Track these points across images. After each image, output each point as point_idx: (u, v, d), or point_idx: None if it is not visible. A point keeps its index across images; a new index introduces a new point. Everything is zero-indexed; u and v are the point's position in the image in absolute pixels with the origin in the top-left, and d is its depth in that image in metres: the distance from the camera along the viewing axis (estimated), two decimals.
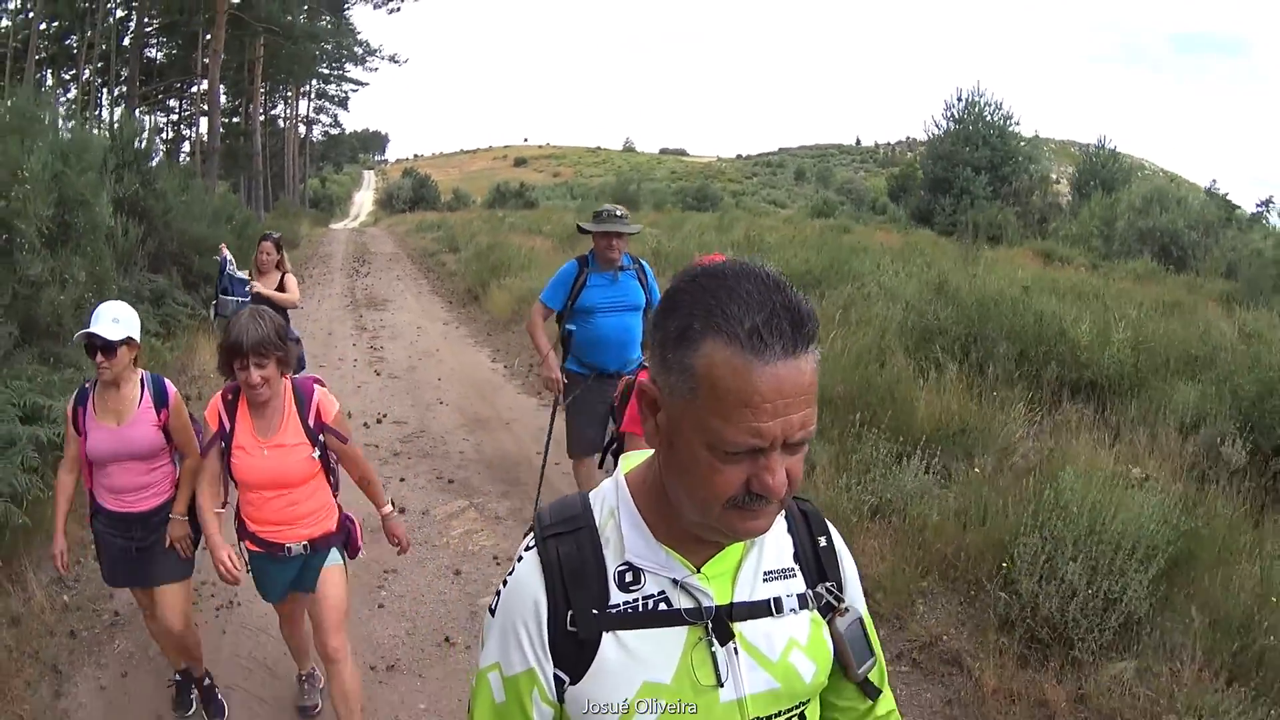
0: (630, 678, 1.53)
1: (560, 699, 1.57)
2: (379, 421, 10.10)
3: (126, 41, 40.16)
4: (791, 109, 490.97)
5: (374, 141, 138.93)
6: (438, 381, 12.13)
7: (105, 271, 10.60)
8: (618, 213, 6.65)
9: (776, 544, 1.66)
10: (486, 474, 8.60)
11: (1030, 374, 9.24)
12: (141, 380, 4.77)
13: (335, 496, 4.68)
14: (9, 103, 10.67)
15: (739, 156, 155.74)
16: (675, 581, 1.55)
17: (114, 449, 4.67)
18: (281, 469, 4.37)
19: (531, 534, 1.65)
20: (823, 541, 1.72)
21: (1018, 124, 38.34)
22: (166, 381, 4.86)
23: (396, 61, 55.50)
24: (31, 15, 33.78)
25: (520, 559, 1.63)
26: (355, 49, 52.04)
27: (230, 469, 4.42)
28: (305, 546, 4.51)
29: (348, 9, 48.71)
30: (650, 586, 1.56)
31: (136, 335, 4.62)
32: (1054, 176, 49.27)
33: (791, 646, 1.60)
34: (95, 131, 15.62)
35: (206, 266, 14.83)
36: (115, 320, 4.49)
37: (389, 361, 13.39)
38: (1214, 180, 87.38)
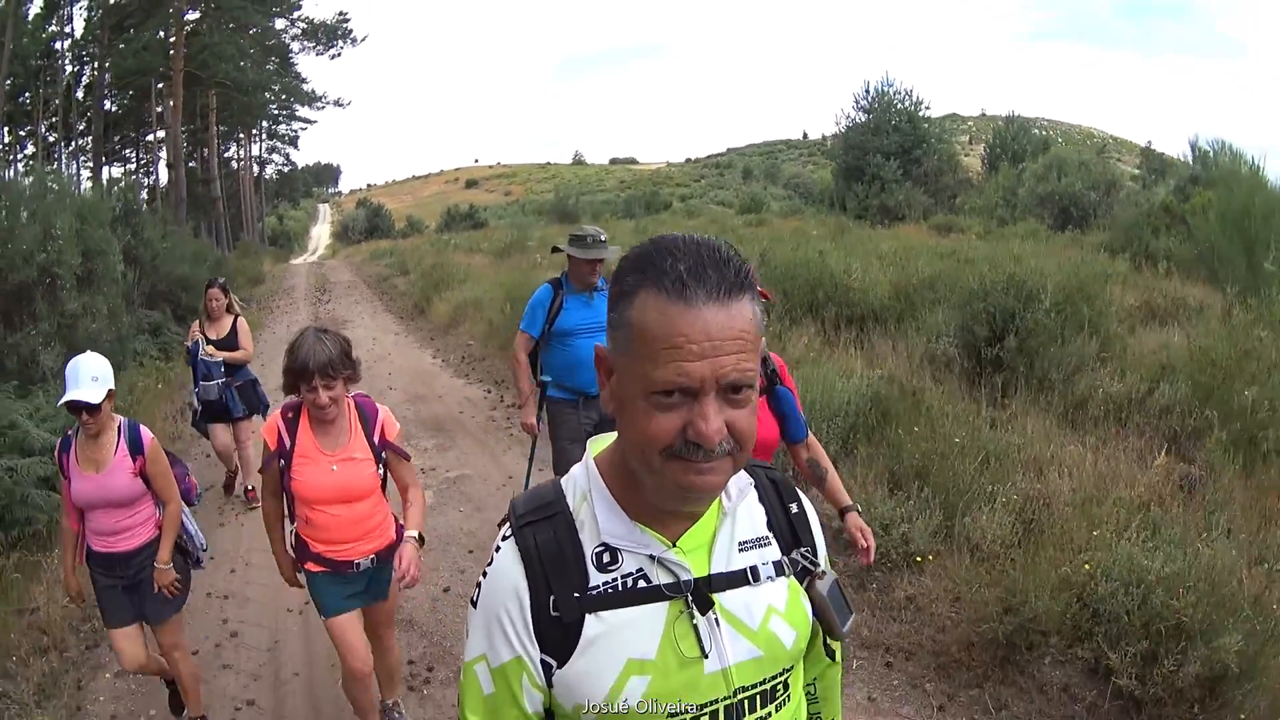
0: (615, 656, 1.56)
1: (549, 683, 1.60)
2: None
3: (80, 95, 41.88)
4: (738, 109, 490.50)
5: (326, 174, 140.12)
6: (388, 375, 15.22)
7: (118, 308, 13.91)
8: (601, 237, 6.69)
9: (749, 514, 1.71)
10: (421, 428, 11.69)
11: (816, 312, 12.40)
12: (119, 428, 4.96)
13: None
14: (35, 176, 13.95)
15: (688, 160, 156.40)
16: (652, 557, 1.58)
17: (95, 496, 4.85)
18: (349, 482, 4.48)
19: (507, 524, 1.69)
20: (794, 508, 1.78)
21: (928, 108, 41.04)
22: (142, 429, 5.04)
23: (341, 105, 57.95)
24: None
25: (498, 549, 1.66)
26: (302, 94, 54.37)
27: (292, 486, 4.49)
28: (373, 560, 4.65)
29: (292, 57, 51.06)
30: (628, 565, 1.58)
31: (113, 384, 4.86)
32: (966, 154, 51.66)
33: (771, 614, 1.64)
34: (82, 190, 18.62)
35: (192, 300, 18.13)
36: (95, 379, 4.71)
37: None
38: (1149, 140, 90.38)
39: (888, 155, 38.03)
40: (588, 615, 1.57)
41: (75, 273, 12.44)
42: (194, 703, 5.36)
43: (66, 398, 4.64)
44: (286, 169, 69.44)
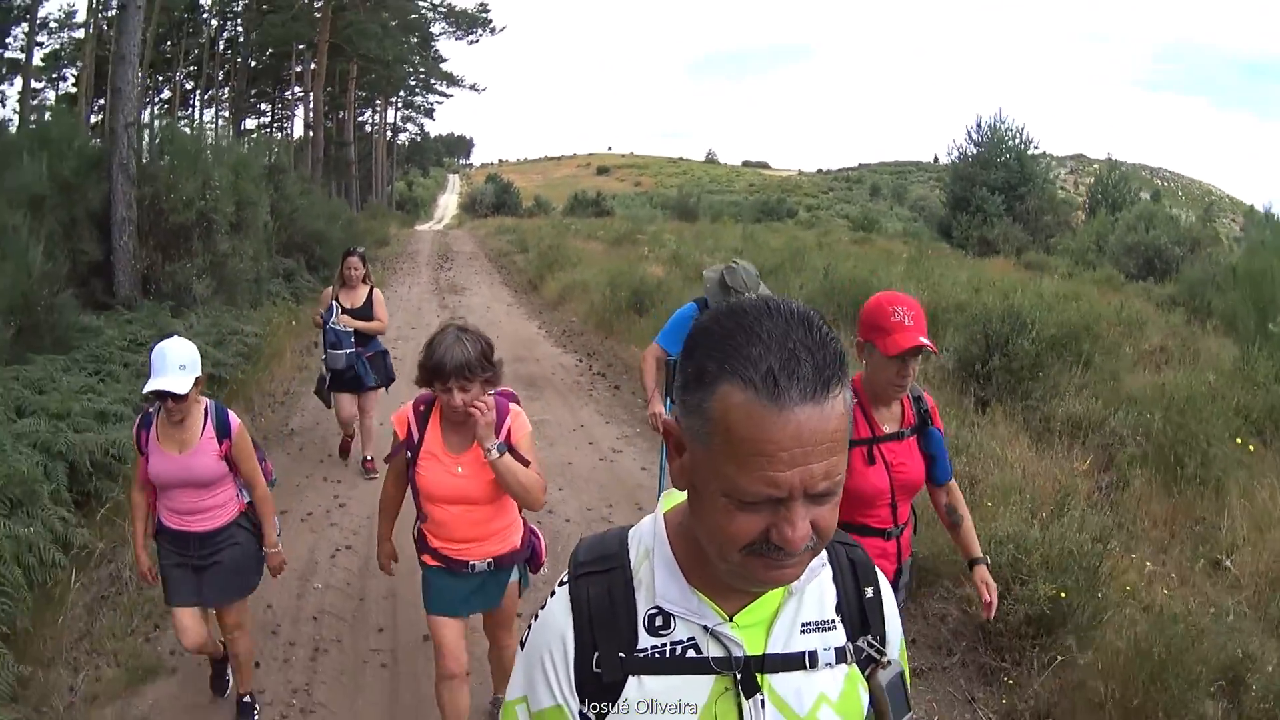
0: None
1: None
2: None
3: (220, 47, 43.81)
4: (874, 125, 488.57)
5: (459, 145, 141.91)
6: (496, 338, 16.50)
7: (261, 252, 15.89)
8: (752, 273, 6.49)
9: (819, 594, 1.64)
10: (516, 382, 13.14)
11: (853, 321, 13.80)
12: (205, 410, 4.88)
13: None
14: (204, 133, 15.90)
15: (819, 171, 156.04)
16: (706, 628, 1.54)
17: (175, 476, 4.77)
18: (471, 486, 4.38)
19: (567, 572, 1.67)
20: (869, 592, 1.69)
21: (1037, 148, 41.53)
22: (230, 413, 4.96)
23: (477, 90, 60.42)
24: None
25: (553, 594, 1.65)
26: (440, 73, 56.48)
27: (415, 480, 4.43)
28: (490, 564, 4.53)
29: (434, 41, 53.16)
30: (680, 632, 1.55)
31: (200, 371, 4.71)
32: (1075, 197, 51.99)
33: (821, 702, 1.58)
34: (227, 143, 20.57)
35: (325, 254, 20.25)
36: (181, 368, 4.59)
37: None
38: (1270, 202, 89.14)
39: (993, 189, 38.74)
40: (630, 677, 1.54)
41: (229, 219, 14.35)
42: (244, 680, 5.29)
43: (151, 386, 4.56)
44: (419, 137, 71.98)
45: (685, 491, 1.51)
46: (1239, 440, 8.29)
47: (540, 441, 10.00)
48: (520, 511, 4.69)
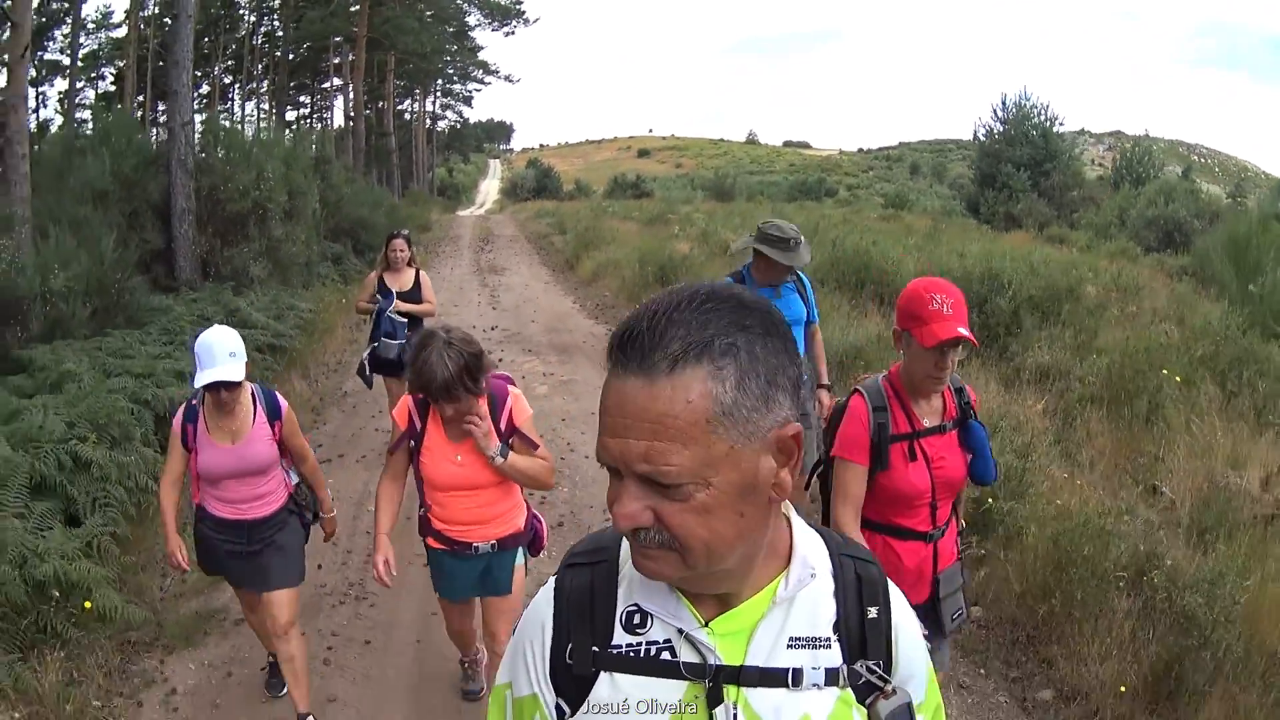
0: None
1: None
2: (492, 329, 15.95)
3: (257, 42, 44.66)
4: (914, 102, 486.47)
5: (499, 131, 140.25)
6: (533, 312, 18.05)
7: (311, 237, 17.19)
8: (789, 236, 6.21)
9: (813, 608, 1.54)
10: (550, 349, 14.48)
11: (859, 289, 15.04)
12: (253, 395, 4.90)
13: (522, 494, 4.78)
14: (256, 129, 17.20)
15: (860, 150, 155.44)
16: (681, 631, 1.49)
17: (230, 467, 4.78)
18: (472, 474, 4.44)
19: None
20: (872, 613, 1.58)
21: (1062, 124, 42.08)
22: (276, 393, 5.01)
23: (511, 81, 61.98)
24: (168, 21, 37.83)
25: (545, 584, 1.65)
26: (477, 62, 57.81)
27: (419, 468, 4.51)
28: (493, 546, 4.60)
29: (470, 31, 54.39)
30: (656, 632, 1.51)
31: (245, 356, 4.71)
32: (1097, 170, 52.44)
33: None
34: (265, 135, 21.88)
35: (370, 238, 21.59)
36: (232, 355, 4.58)
37: (502, 303, 19.26)
38: None
39: (1019, 166, 39.29)
40: (602, 673, 1.51)
41: (282, 208, 15.68)
42: (303, 697, 5.15)
43: (208, 379, 4.52)
44: (459, 124, 72.62)
45: None
46: (1179, 378, 9.22)
47: (568, 397, 11.32)
48: (524, 494, 4.81)
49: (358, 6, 43.08)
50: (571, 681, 1.54)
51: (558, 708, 1.56)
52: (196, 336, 4.70)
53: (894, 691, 1.55)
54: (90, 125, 28.24)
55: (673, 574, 1.41)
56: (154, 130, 29.38)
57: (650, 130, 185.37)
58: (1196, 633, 5.15)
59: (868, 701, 1.53)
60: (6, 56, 12.46)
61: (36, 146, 15.10)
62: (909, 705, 1.56)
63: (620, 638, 1.52)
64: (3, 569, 5.28)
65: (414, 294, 9.22)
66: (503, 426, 4.45)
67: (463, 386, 4.15)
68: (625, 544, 1.57)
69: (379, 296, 9.15)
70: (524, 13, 52.28)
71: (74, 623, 5.63)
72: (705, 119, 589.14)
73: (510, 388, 4.58)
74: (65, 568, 5.60)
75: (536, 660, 1.58)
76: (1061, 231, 31.15)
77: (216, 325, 4.88)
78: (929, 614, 3.76)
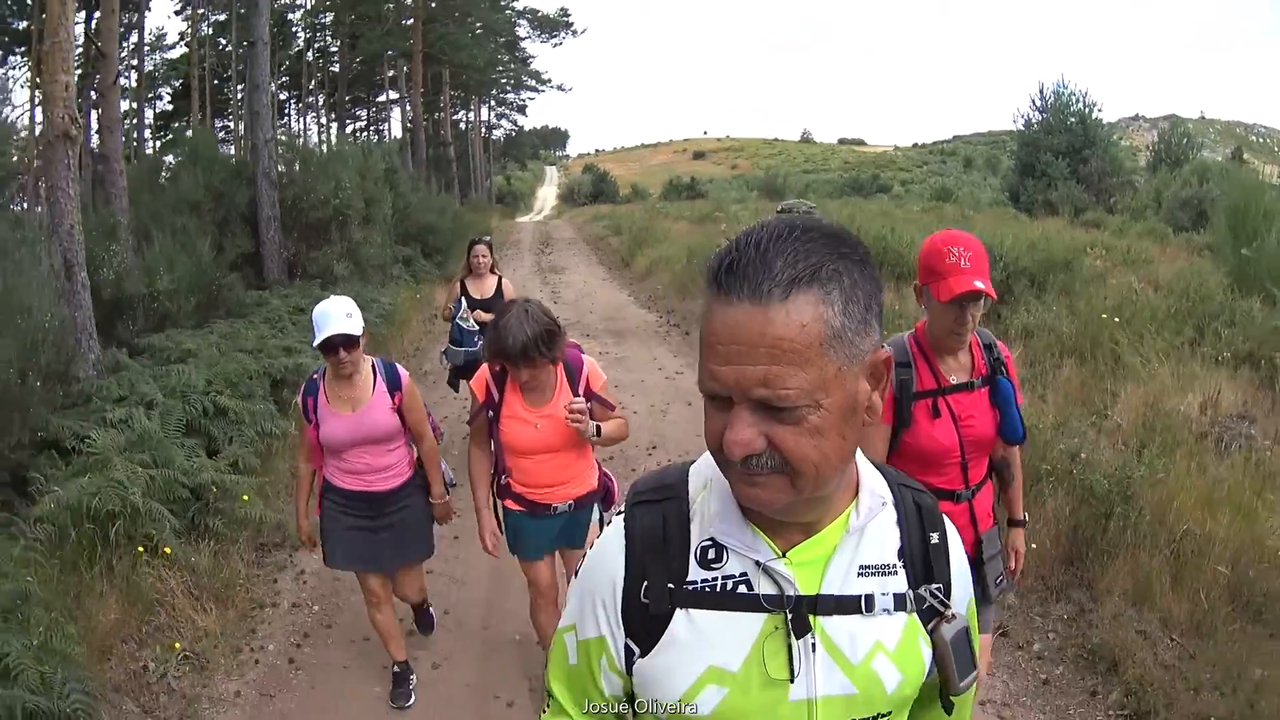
0: (697, 658, 1.52)
1: (629, 669, 1.60)
2: None
3: (311, 57, 46.72)
4: (970, 95, 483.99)
5: (555, 138, 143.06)
6: (591, 305, 19.82)
7: (386, 240, 19.04)
8: (804, 208, 7.08)
9: (880, 537, 1.59)
10: (607, 333, 16.24)
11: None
12: (374, 366, 5.02)
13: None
14: (330, 143, 18.99)
15: (915, 145, 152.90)
16: (758, 564, 1.51)
17: (352, 435, 4.91)
18: (555, 437, 4.62)
19: (625, 499, 1.67)
20: (934, 538, 1.65)
21: (1100, 111, 41.79)
22: (398, 366, 5.12)
23: (563, 90, 63.26)
24: (225, 41, 38.98)
25: (608, 523, 1.67)
26: (529, 72, 59.38)
27: (500, 436, 4.68)
28: (570, 505, 4.80)
29: (521, 43, 55.85)
30: (733, 566, 1.53)
31: (363, 322, 4.85)
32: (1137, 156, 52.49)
33: (877, 650, 1.54)
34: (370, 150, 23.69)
35: (437, 242, 23.39)
36: (349, 315, 4.71)
37: (563, 297, 20.92)
38: None
39: (1057, 154, 39.54)
40: (678, 610, 1.53)
41: (360, 214, 17.45)
42: (398, 647, 5.57)
43: (324, 335, 4.67)
44: (514, 132, 74.16)
45: None
46: (1152, 329, 10.47)
47: (620, 370, 12.96)
48: (594, 453, 4.99)
49: (411, 20, 44.68)
50: (646, 621, 1.56)
51: (627, 648, 1.59)
52: (312, 312, 4.89)
53: (954, 616, 1.61)
54: (171, 143, 30.37)
55: (781, 499, 1.41)
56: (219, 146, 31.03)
57: (705, 132, 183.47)
58: (1098, 504, 6.48)
59: (930, 625, 1.60)
60: (99, 84, 14.10)
61: (132, 162, 16.96)
62: (967, 629, 1.63)
63: (696, 573, 1.54)
64: (170, 473, 6.76)
65: (496, 300, 9.07)
66: (580, 392, 4.67)
67: (539, 351, 4.34)
68: (693, 480, 1.62)
69: (456, 303, 9.26)
70: (571, 24, 53.51)
71: (221, 520, 7.00)
72: (760, 119, 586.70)
73: (584, 356, 4.82)
74: (220, 476, 7.11)
75: (606, 601, 1.60)
76: (1098, 216, 31.67)
77: (333, 295, 5.04)
78: (971, 577, 3.81)
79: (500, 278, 9.46)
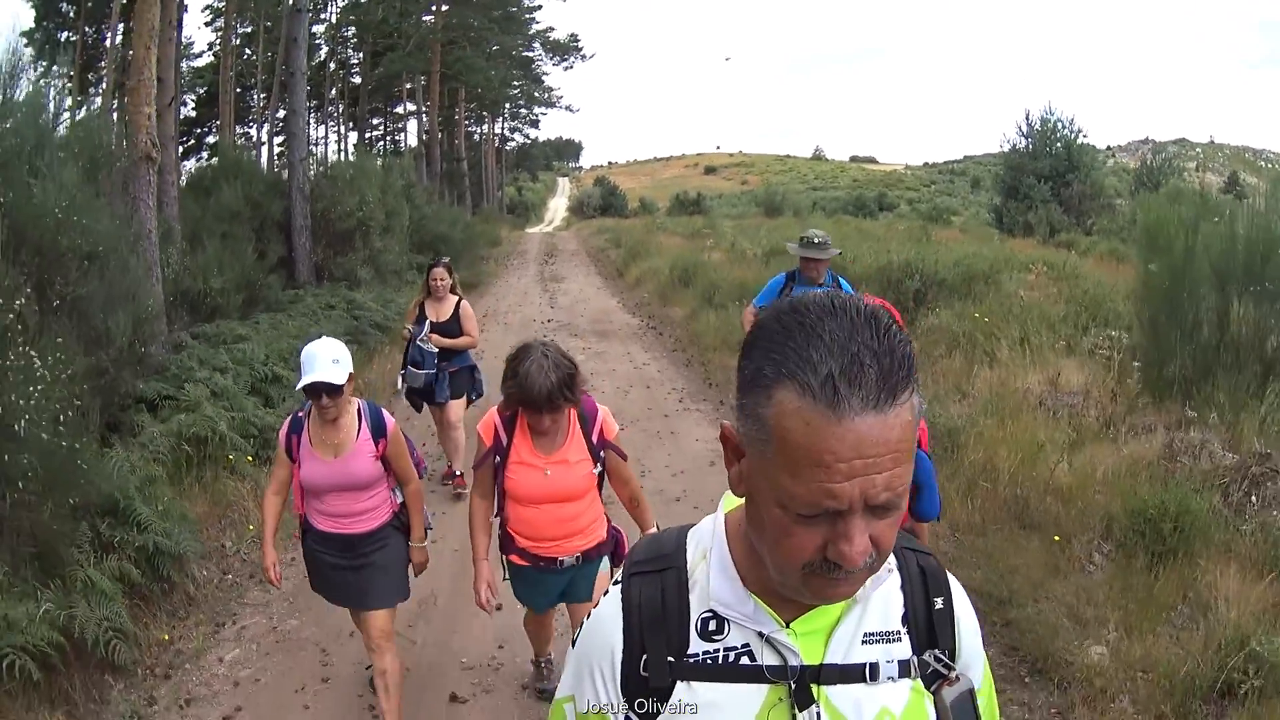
0: None
1: None
2: (548, 321, 19.98)
3: (332, 67, 47.53)
4: (980, 116, 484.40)
5: (568, 149, 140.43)
6: (583, 310, 22.17)
7: (403, 248, 21.69)
8: (816, 240, 7.91)
9: (884, 603, 1.59)
10: (593, 334, 18.53)
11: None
12: (359, 411, 4.98)
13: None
14: (354, 160, 21.76)
15: (925, 164, 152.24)
16: (761, 635, 1.51)
17: (332, 481, 4.89)
18: (564, 485, 4.57)
19: (622, 569, 1.66)
20: (939, 604, 1.64)
21: (1085, 137, 43.32)
22: (384, 411, 5.07)
23: (572, 110, 64.95)
24: (250, 54, 39.50)
25: (606, 593, 1.65)
26: (542, 88, 61.75)
27: (505, 484, 4.62)
28: (578, 558, 4.74)
29: (534, 65, 57.97)
30: (734, 638, 1.53)
31: (351, 368, 4.81)
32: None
33: (884, 716, 1.54)
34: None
35: (449, 251, 25.35)
36: (335, 361, 4.70)
37: (559, 303, 23.31)
38: None
39: (1041, 178, 40.83)
40: (679, 683, 1.52)
41: (381, 225, 20.05)
42: (392, 710, 5.18)
43: (307, 380, 4.65)
44: (527, 143, 74.74)
45: (744, 498, 1.47)
46: (1032, 329, 12.66)
47: (598, 362, 15.17)
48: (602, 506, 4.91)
49: (431, 47, 47.01)
50: (646, 693, 1.54)
51: (628, 718, 1.57)
52: (301, 350, 4.90)
53: (958, 678, 1.61)
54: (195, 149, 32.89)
55: (855, 591, 1.44)
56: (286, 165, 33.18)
57: (718, 147, 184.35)
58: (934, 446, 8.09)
59: (933, 689, 1.59)
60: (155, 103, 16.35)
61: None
62: (971, 691, 1.62)
63: (696, 645, 1.53)
64: (244, 415, 9.23)
65: (453, 325, 9.15)
66: (594, 440, 4.61)
67: (563, 397, 4.31)
68: (691, 549, 1.61)
69: (408, 327, 9.25)
70: (580, 49, 55.89)
71: None
72: (773, 135, 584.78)
73: (599, 405, 4.75)
74: (277, 420, 9.04)
75: (605, 676, 1.58)
76: (1071, 237, 33.19)
77: (322, 336, 5.03)
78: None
79: (459, 300, 9.37)
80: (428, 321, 9.12)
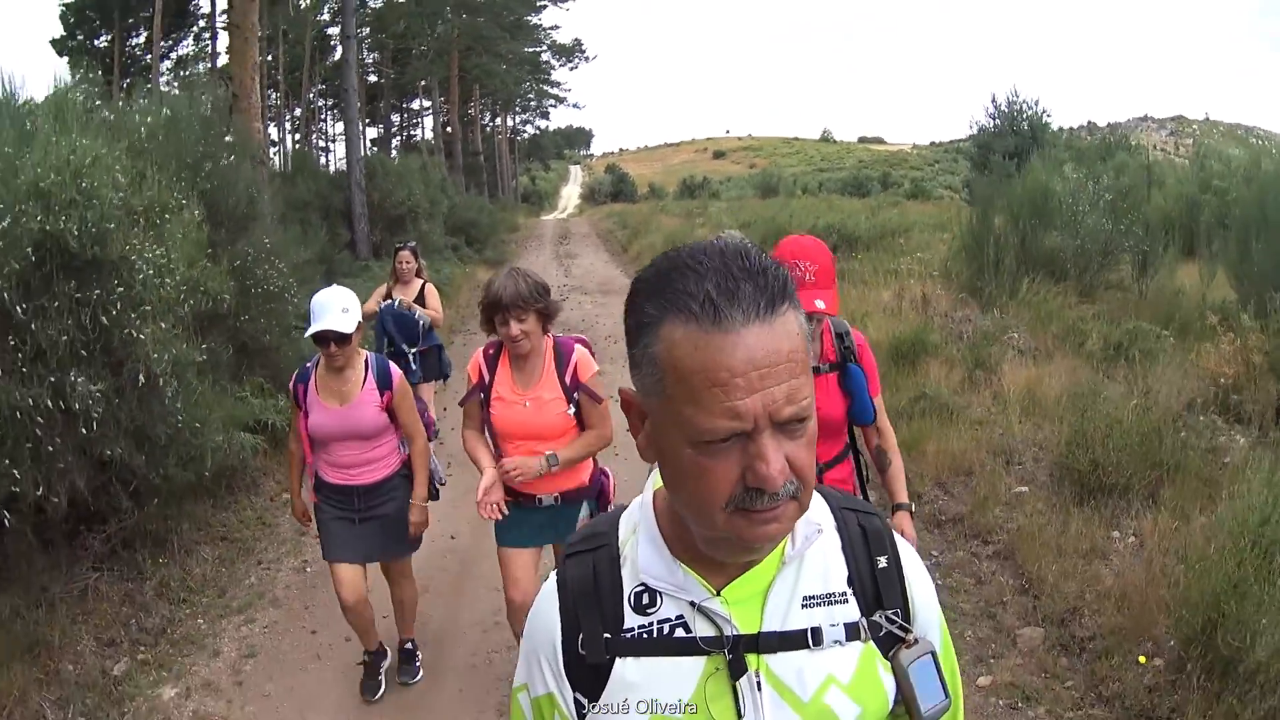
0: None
1: None
2: (564, 284, 23.95)
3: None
4: (987, 93, 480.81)
5: (579, 137, 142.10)
6: (591, 276, 26.57)
7: (440, 230, 26.28)
8: (736, 237, 7.71)
9: (823, 564, 1.54)
10: (598, 293, 22.82)
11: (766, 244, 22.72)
12: (366, 362, 5.05)
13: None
14: (403, 160, 26.73)
15: (931, 144, 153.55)
16: (694, 605, 1.48)
17: (337, 429, 4.97)
18: (538, 420, 4.59)
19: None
20: (881, 562, 1.58)
21: (1050, 117, 46.76)
22: (392, 365, 5.14)
23: (578, 107, 68.24)
24: (269, 57, 40.69)
25: (547, 578, 1.64)
26: (551, 83, 65.43)
27: (489, 419, 4.69)
28: (556, 498, 4.73)
29: (544, 64, 61.99)
30: (667, 609, 1.50)
31: (360, 317, 4.90)
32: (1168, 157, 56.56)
33: (829, 684, 1.49)
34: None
35: (476, 234, 30.78)
36: (345, 310, 4.78)
37: (573, 273, 27.73)
38: None
39: (1005, 154, 42.86)
40: (617, 659, 1.50)
41: (426, 212, 24.59)
42: (407, 626, 5.66)
43: (316, 327, 4.76)
44: (538, 133, 78.76)
45: (658, 464, 1.43)
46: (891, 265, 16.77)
47: (603, 310, 19.18)
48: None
49: (449, 53, 51.02)
50: (587, 672, 1.53)
51: (576, 702, 1.55)
52: (311, 300, 4.96)
53: (916, 641, 1.55)
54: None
55: (788, 529, 1.39)
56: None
57: (727, 131, 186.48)
58: None
59: (890, 653, 1.54)
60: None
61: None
62: (933, 654, 1.57)
63: (631, 620, 1.51)
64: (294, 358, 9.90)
65: (419, 304, 9.39)
66: (568, 380, 4.64)
67: (533, 298, 4.44)
68: (623, 526, 1.60)
69: (384, 306, 9.31)
70: (584, 51, 61.11)
71: None
72: (782, 118, 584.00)
73: (577, 346, 4.76)
74: None
75: (548, 660, 1.57)
76: None
77: (334, 285, 5.16)
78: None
79: (425, 283, 9.61)
80: (389, 301, 9.36)
